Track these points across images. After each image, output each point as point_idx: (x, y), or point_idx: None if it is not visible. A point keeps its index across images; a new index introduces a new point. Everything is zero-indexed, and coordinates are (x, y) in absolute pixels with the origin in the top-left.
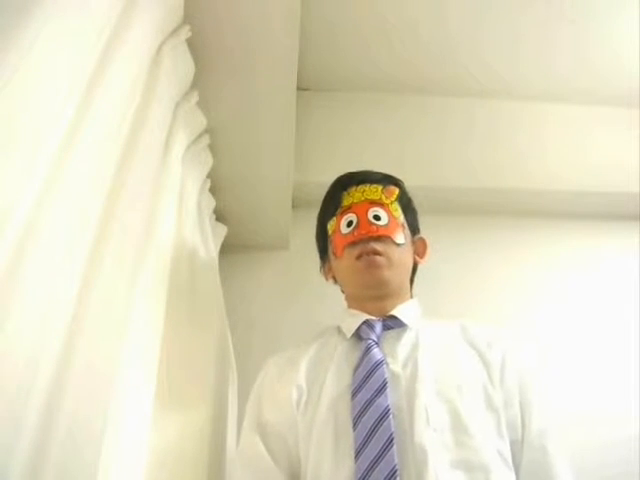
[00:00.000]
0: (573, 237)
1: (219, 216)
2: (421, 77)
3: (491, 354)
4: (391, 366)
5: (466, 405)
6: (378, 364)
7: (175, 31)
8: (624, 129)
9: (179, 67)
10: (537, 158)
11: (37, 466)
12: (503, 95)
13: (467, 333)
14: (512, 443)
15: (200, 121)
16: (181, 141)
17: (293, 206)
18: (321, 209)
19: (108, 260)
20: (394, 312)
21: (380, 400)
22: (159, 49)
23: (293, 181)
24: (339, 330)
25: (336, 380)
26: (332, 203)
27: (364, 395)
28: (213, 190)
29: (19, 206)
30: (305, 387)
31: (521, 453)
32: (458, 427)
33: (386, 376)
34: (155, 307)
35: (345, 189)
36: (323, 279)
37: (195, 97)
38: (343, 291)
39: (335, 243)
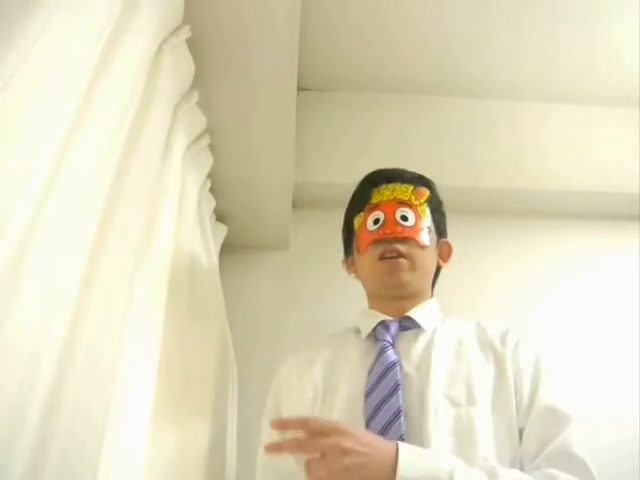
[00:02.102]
0: (573, 237)
1: (219, 216)
2: (421, 77)
3: (504, 348)
4: (405, 368)
5: (475, 409)
6: (392, 365)
7: (175, 31)
8: (624, 129)
9: (179, 67)
10: (537, 158)
11: (38, 461)
12: (503, 95)
13: (482, 332)
14: (520, 429)
15: (200, 121)
16: (181, 141)
17: (293, 206)
18: (350, 203)
19: (108, 259)
20: (410, 313)
21: (392, 401)
22: (159, 49)
23: (293, 181)
24: (357, 330)
25: (351, 380)
26: (361, 198)
27: (377, 396)
28: (213, 190)
29: (20, 205)
30: (321, 386)
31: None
32: (465, 431)
33: (398, 377)
34: (155, 307)
35: (375, 186)
36: (323, 279)
37: (195, 97)
38: (365, 287)
39: (360, 239)
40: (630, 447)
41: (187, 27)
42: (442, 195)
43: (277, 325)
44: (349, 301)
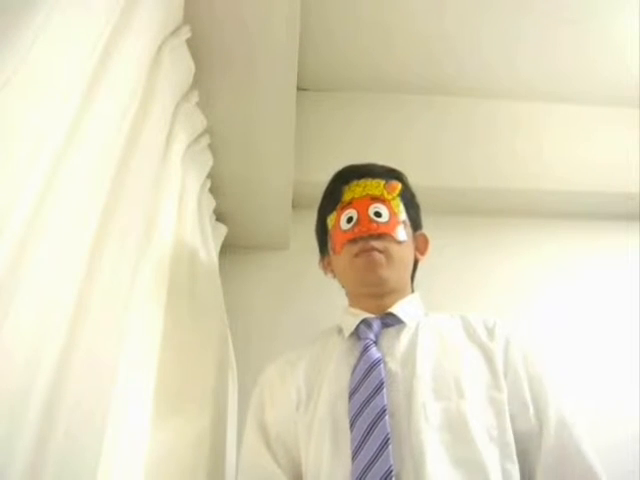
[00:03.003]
0: (573, 237)
1: (219, 216)
2: (421, 77)
3: (493, 343)
4: (389, 364)
5: (464, 402)
6: (375, 363)
7: (175, 31)
8: (624, 129)
9: (179, 67)
10: (537, 158)
11: (38, 462)
12: (503, 95)
13: (468, 326)
14: (521, 433)
15: (200, 121)
16: (181, 141)
17: (293, 206)
18: (321, 202)
19: (108, 260)
20: (392, 309)
21: (376, 400)
22: (159, 49)
23: (293, 181)
24: (339, 330)
25: (335, 381)
26: (333, 197)
27: (361, 395)
28: (213, 190)
29: (19, 205)
30: (304, 388)
31: (539, 444)
32: (456, 425)
33: (383, 375)
34: (155, 307)
35: (346, 183)
36: (323, 279)
37: (195, 97)
38: (343, 286)
39: (334, 239)
40: (630, 448)
41: (187, 27)
42: (441, 195)
43: (277, 325)
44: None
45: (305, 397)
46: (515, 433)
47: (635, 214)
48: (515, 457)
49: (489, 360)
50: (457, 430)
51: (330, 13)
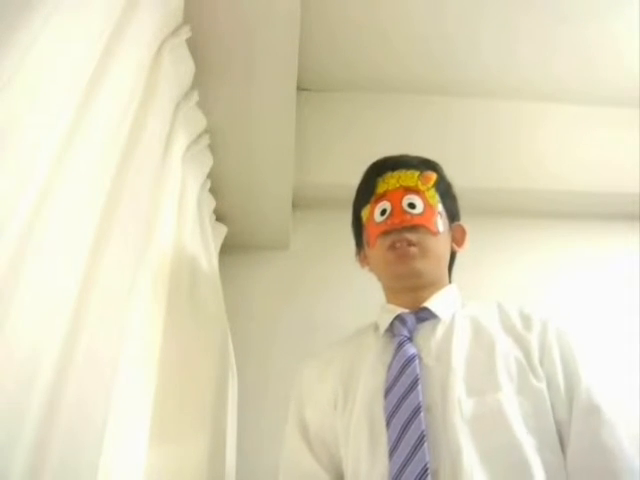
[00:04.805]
0: (573, 237)
1: (219, 216)
2: (421, 77)
3: (528, 330)
4: (425, 360)
5: (500, 395)
6: (410, 360)
7: (175, 31)
8: (624, 129)
9: (179, 67)
10: (537, 158)
11: (38, 462)
12: (503, 95)
13: (503, 315)
14: (560, 423)
15: (200, 121)
16: (181, 141)
17: (293, 206)
18: (356, 196)
19: (108, 260)
20: (426, 304)
21: (412, 397)
22: (159, 49)
23: (293, 181)
24: (376, 327)
25: (371, 379)
26: (366, 190)
27: (396, 393)
28: (213, 190)
29: (20, 205)
30: (341, 387)
31: (569, 430)
32: (492, 418)
33: (418, 372)
34: (155, 306)
35: (380, 175)
36: (323, 279)
37: (195, 97)
38: (379, 280)
39: (368, 232)
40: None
41: (187, 27)
42: None
43: (276, 325)
44: (348, 301)
45: (342, 396)
46: (555, 422)
47: (635, 214)
48: (558, 446)
49: (525, 349)
50: (493, 423)
51: (330, 13)
